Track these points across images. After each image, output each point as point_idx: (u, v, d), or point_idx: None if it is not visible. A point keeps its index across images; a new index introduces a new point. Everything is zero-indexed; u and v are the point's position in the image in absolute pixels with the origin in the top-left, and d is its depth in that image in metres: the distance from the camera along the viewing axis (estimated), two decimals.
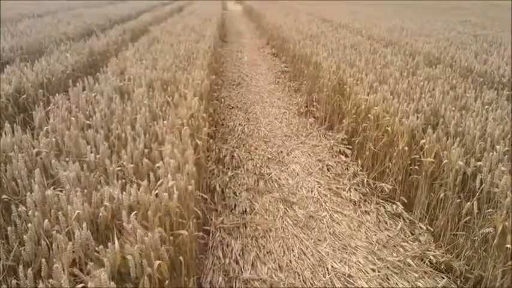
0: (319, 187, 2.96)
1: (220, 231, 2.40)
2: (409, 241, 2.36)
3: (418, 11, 12.40)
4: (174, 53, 4.15)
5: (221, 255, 2.20)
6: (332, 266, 2.13)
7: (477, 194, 2.05)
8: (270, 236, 2.38)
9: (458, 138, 2.31)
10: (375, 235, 2.42)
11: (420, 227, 2.46)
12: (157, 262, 1.37)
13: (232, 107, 4.72)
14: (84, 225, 1.37)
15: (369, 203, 2.76)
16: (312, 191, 2.90)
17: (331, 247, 2.30)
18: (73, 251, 1.31)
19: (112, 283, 1.21)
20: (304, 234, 2.41)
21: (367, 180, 3.00)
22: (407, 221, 2.55)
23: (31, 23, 6.72)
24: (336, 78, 3.84)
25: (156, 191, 1.64)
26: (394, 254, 2.25)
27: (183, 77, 3.17)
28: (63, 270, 1.21)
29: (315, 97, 4.46)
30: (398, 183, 2.72)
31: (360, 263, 2.17)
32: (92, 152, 1.89)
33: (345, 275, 2.08)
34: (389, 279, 2.05)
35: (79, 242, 1.34)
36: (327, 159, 3.41)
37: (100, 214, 1.50)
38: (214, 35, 6.39)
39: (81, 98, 2.60)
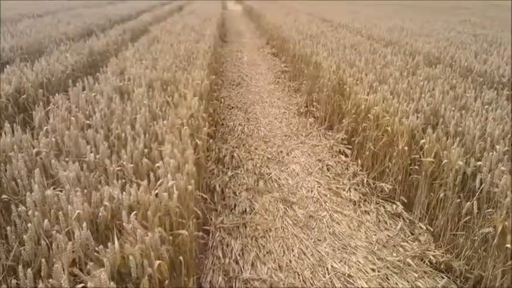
0: (319, 187, 2.96)
1: (220, 231, 2.40)
2: (409, 241, 2.36)
3: (418, 11, 12.40)
4: (174, 53, 4.15)
5: (221, 255, 2.20)
6: (332, 266, 2.13)
7: (477, 194, 2.05)
8: (269, 236, 2.38)
9: (458, 138, 2.31)
10: (375, 235, 2.42)
11: (420, 227, 2.46)
12: (158, 262, 1.37)
13: (232, 107, 4.72)
14: (84, 225, 1.37)
15: (368, 202, 2.76)
16: (311, 191, 2.90)
17: (331, 247, 2.30)
18: (73, 251, 1.31)
19: (112, 283, 1.21)
20: (304, 234, 2.41)
21: (367, 180, 3.00)
22: (407, 221, 2.55)
23: (31, 23, 6.72)
24: (336, 78, 3.84)
25: (156, 191, 1.64)
26: (394, 254, 2.25)
27: (183, 77, 3.17)
28: (63, 270, 1.21)
29: (314, 97, 4.46)
30: (398, 183, 2.72)
31: (359, 262, 2.17)
32: (91, 152, 1.89)
33: (344, 274, 2.08)
34: (389, 279, 2.05)
35: (79, 242, 1.34)
36: (327, 159, 3.41)
37: (100, 214, 1.50)
38: (214, 35, 6.39)
39: (81, 98, 2.60)
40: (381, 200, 2.77)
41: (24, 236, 1.35)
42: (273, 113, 4.56)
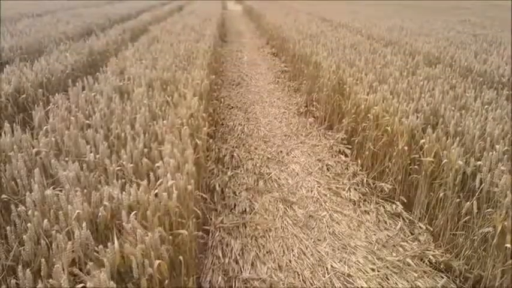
0: (319, 187, 2.96)
1: (219, 231, 2.40)
2: (409, 241, 2.36)
3: (418, 10, 12.41)
4: (174, 52, 4.15)
5: (221, 255, 2.20)
6: (331, 266, 2.13)
7: (477, 194, 2.06)
8: (269, 236, 2.38)
9: (458, 138, 2.31)
10: (375, 235, 2.42)
11: (420, 227, 2.46)
12: (157, 262, 1.37)
13: (232, 107, 4.72)
14: (84, 224, 1.37)
15: (368, 202, 2.76)
16: (311, 191, 2.90)
17: (330, 247, 2.30)
18: (73, 251, 1.31)
19: (112, 283, 1.21)
20: (304, 234, 2.41)
21: (366, 180, 3.00)
22: (407, 221, 2.55)
23: (30, 22, 6.71)
24: (336, 78, 3.84)
25: (156, 191, 1.64)
26: (394, 254, 2.25)
27: (182, 77, 3.17)
28: (63, 270, 1.21)
29: (314, 97, 4.46)
30: (398, 182, 2.72)
31: (359, 262, 2.17)
32: (91, 152, 1.89)
33: (344, 274, 2.08)
34: (388, 279, 2.05)
35: (79, 241, 1.34)
36: (327, 159, 3.41)
37: (100, 214, 1.50)
38: (214, 35, 6.39)
39: (80, 98, 2.60)
40: (380, 200, 2.77)
41: (24, 236, 1.35)
42: (273, 113, 4.56)
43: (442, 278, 2.06)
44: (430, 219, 2.44)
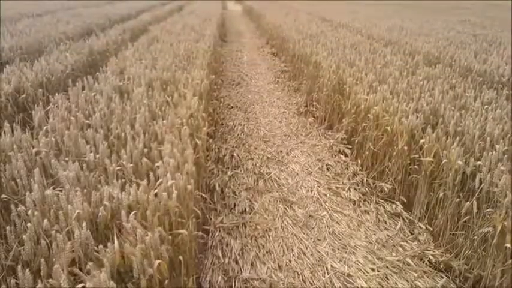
0: (319, 186, 2.96)
1: (219, 231, 2.40)
2: (409, 241, 2.36)
3: (418, 10, 12.41)
4: (174, 52, 4.15)
5: (220, 255, 2.20)
6: (331, 266, 2.13)
7: (476, 194, 2.06)
8: (269, 236, 2.38)
9: (457, 138, 2.31)
10: (375, 234, 2.42)
11: (419, 227, 2.46)
12: (157, 261, 1.37)
13: (232, 107, 4.72)
14: (84, 224, 1.37)
15: (368, 202, 2.76)
16: (311, 191, 2.90)
17: (330, 247, 2.30)
18: (72, 251, 1.31)
19: (111, 283, 1.21)
20: (304, 233, 2.41)
21: (366, 180, 3.00)
22: (407, 221, 2.55)
23: (30, 22, 6.71)
24: (336, 78, 3.84)
25: (156, 191, 1.64)
26: (394, 254, 2.25)
27: (182, 77, 3.17)
28: (63, 269, 1.21)
29: (314, 97, 4.46)
30: (397, 182, 2.72)
31: (359, 262, 2.17)
32: (91, 152, 1.89)
33: (344, 274, 2.08)
34: (388, 279, 2.05)
35: (78, 241, 1.34)
36: (327, 159, 3.41)
37: (99, 214, 1.50)
38: (214, 35, 6.39)
39: (80, 98, 2.60)
40: (380, 200, 2.77)
41: (24, 236, 1.35)
42: (273, 113, 4.56)
43: (442, 277, 2.06)
44: (430, 219, 2.44)
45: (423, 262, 2.18)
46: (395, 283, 2.03)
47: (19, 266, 1.23)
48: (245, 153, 3.47)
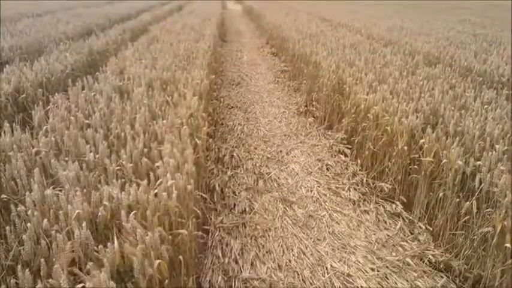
0: (319, 186, 2.96)
1: (219, 231, 2.40)
2: (409, 240, 2.36)
3: (418, 10, 12.41)
4: (174, 52, 4.14)
5: (220, 255, 2.20)
6: (331, 265, 2.13)
7: (476, 194, 2.06)
8: (269, 236, 2.38)
9: (457, 138, 2.31)
10: (374, 234, 2.42)
11: (419, 227, 2.46)
12: (157, 261, 1.37)
13: (232, 107, 4.72)
14: (84, 224, 1.37)
15: (368, 202, 2.76)
16: (311, 191, 2.90)
17: (330, 246, 2.30)
18: (72, 251, 1.31)
19: (111, 283, 1.21)
20: (304, 233, 2.41)
21: (366, 180, 3.00)
22: (407, 221, 2.55)
23: (30, 22, 6.71)
24: (336, 78, 3.84)
25: (156, 191, 1.64)
26: (394, 254, 2.25)
27: (182, 77, 3.17)
28: (62, 269, 1.21)
29: (314, 96, 4.46)
30: (397, 182, 2.72)
31: (359, 262, 2.17)
32: (91, 152, 1.89)
33: (344, 274, 2.08)
34: (388, 279, 2.06)
35: (78, 241, 1.34)
36: (327, 159, 3.41)
37: (99, 214, 1.50)
38: (213, 35, 6.38)
39: (80, 98, 2.60)
40: (380, 200, 2.77)
41: (24, 236, 1.35)
42: (273, 113, 4.56)
43: (442, 277, 2.06)
44: (429, 219, 2.44)
45: (423, 262, 2.18)
46: (395, 283, 2.03)
47: (19, 266, 1.23)
48: (245, 153, 3.47)
